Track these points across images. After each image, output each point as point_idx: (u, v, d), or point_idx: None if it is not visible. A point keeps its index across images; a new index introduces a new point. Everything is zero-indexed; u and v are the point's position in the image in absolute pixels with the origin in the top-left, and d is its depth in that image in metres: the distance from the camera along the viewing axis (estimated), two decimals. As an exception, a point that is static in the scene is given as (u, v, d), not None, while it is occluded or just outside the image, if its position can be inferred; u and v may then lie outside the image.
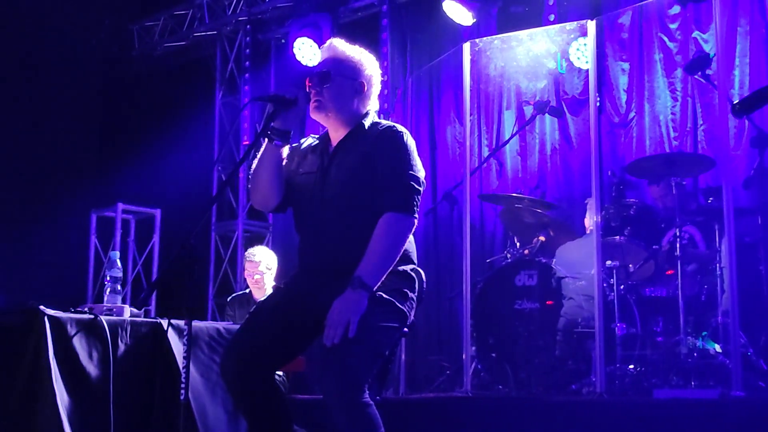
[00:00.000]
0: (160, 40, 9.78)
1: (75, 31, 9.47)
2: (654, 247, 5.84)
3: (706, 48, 6.65)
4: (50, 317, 3.46)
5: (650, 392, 5.10)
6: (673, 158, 5.56)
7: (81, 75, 9.76)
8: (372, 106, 3.39)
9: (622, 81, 7.24)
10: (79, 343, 3.53)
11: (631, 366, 5.46)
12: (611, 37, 7.26)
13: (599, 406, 4.83)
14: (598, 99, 5.83)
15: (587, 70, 6.29)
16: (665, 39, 7.04)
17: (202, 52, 9.73)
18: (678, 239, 5.29)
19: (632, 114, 7.16)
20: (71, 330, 3.51)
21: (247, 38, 9.24)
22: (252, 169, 3.32)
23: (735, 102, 4.10)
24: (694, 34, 6.87)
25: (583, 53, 6.90)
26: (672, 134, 6.91)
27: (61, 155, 9.48)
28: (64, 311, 3.56)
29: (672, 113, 6.94)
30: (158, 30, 9.79)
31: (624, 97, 7.22)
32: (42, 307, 3.48)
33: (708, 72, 5.61)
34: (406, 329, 3.19)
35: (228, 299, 6.84)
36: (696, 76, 6.01)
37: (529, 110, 7.50)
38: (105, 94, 10.20)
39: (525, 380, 5.91)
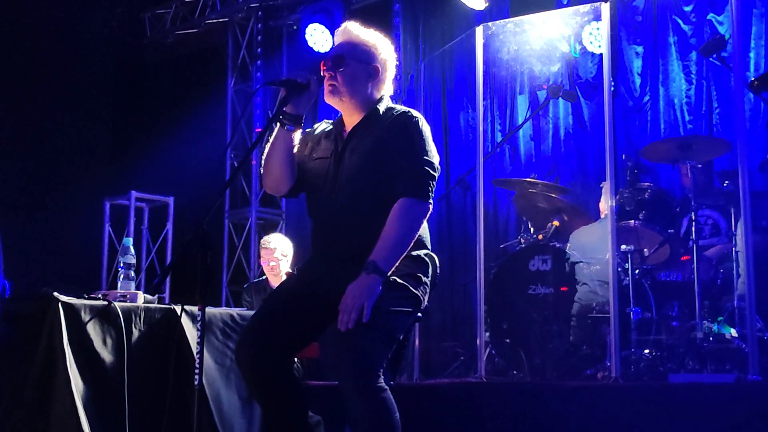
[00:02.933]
0: (171, 28, 9.75)
1: (87, 19, 9.46)
2: (669, 231, 5.81)
3: (721, 30, 6.61)
4: (64, 304, 3.47)
5: (666, 377, 5.09)
6: (689, 141, 5.51)
7: (93, 63, 9.76)
8: (386, 90, 3.37)
9: (636, 64, 7.20)
10: (93, 330, 3.53)
11: (647, 351, 5.43)
12: (625, 20, 7.22)
13: (614, 391, 4.80)
14: (612, 83, 5.77)
15: (601, 54, 6.25)
16: (680, 22, 6.99)
17: (213, 40, 9.69)
18: (694, 223, 5.26)
19: (647, 97, 7.12)
20: (85, 316, 3.52)
21: (259, 25, 9.20)
22: (264, 154, 3.31)
23: (753, 79, 4.05)
24: (709, 17, 6.82)
25: (597, 37, 6.85)
26: (687, 117, 6.88)
27: (75, 144, 9.50)
28: (78, 298, 3.56)
29: (687, 96, 6.90)
30: (170, 17, 9.75)
31: (638, 81, 7.18)
32: (56, 293, 3.49)
33: (723, 54, 5.55)
34: (420, 314, 3.18)
35: (245, 286, 6.86)
36: (711, 59, 5.96)
37: (542, 94, 7.46)
38: (117, 82, 10.19)
39: (539, 366, 5.89)
